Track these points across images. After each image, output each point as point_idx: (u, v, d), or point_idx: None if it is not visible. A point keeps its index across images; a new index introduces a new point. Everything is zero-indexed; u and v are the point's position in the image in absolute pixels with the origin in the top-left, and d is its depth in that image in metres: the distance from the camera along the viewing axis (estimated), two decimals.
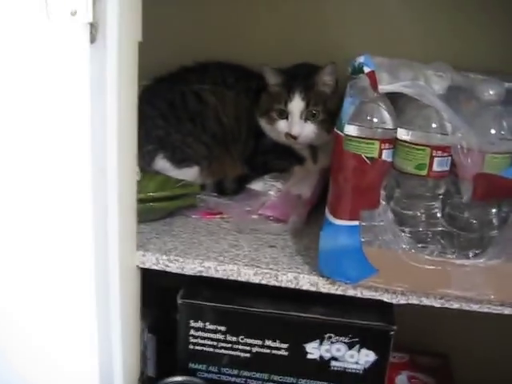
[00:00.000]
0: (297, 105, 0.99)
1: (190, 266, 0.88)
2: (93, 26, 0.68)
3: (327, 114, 0.99)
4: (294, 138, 1.00)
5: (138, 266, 0.89)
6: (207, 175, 1.07)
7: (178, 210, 1.01)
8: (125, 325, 0.87)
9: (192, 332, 0.95)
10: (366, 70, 0.77)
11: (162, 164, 1.05)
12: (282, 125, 1.01)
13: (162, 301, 0.99)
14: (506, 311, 0.83)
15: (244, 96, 1.07)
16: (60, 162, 0.72)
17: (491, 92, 0.80)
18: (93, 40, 0.68)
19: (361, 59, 0.77)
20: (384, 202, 0.82)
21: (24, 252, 0.77)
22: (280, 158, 1.06)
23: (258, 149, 1.07)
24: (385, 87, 0.77)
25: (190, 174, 1.06)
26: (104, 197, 0.76)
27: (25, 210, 0.75)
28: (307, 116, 1.00)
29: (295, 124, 1.00)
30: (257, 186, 1.06)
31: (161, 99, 1.05)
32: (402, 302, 0.85)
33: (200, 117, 1.05)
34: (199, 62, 1.08)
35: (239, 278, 0.87)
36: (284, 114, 1.00)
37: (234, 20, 1.12)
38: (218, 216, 1.02)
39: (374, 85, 0.76)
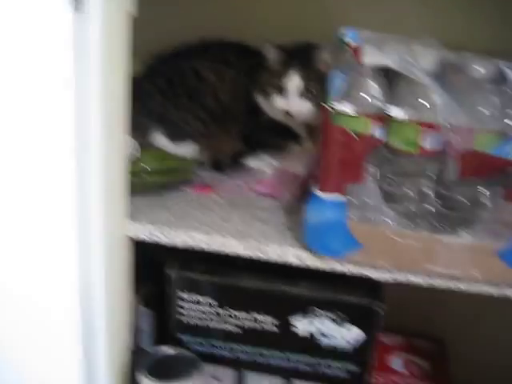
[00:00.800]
0: (294, 82, 0.99)
1: (180, 238, 0.89)
2: None
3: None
4: (291, 115, 1.00)
5: (129, 237, 0.91)
6: (204, 151, 1.08)
7: (173, 184, 1.01)
8: (111, 296, 0.88)
9: (181, 303, 0.97)
10: (352, 44, 0.76)
11: (159, 139, 1.06)
12: (279, 101, 1.01)
13: (158, 275, 0.99)
14: (492, 290, 0.83)
15: (244, 74, 1.07)
16: (41, 131, 0.74)
17: (482, 70, 0.79)
18: (77, 9, 0.69)
19: (346, 33, 0.77)
20: (372, 179, 0.82)
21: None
22: (277, 136, 1.06)
23: (255, 126, 1.07)
24: (370, 61, 0.76)
25: (186, 150, 1.07)
26: (88, 167, 0.77)
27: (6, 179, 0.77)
28: (304, 94, 1.00)
29: (292, 101, 1.00)
30: (253, 163, 1.07)
31: (160, 75, 1.06)
32: (388, 278, 0.85)
33: (198, 94, 1.05)
34: (201, 40, 1.08)
35: (226, 250, 0.88)
36: (281, 91, 1.00)
37: None
38: (213, 191, 1.02)
39: (358, 60, 0.76)
